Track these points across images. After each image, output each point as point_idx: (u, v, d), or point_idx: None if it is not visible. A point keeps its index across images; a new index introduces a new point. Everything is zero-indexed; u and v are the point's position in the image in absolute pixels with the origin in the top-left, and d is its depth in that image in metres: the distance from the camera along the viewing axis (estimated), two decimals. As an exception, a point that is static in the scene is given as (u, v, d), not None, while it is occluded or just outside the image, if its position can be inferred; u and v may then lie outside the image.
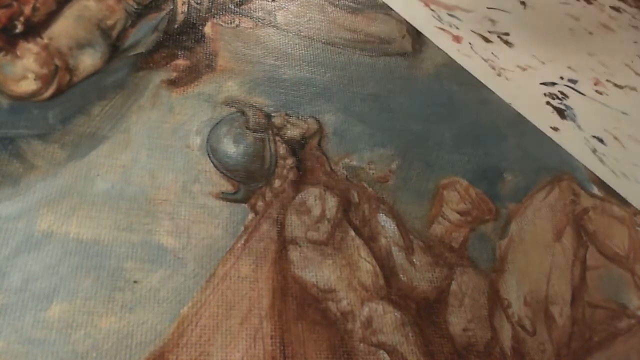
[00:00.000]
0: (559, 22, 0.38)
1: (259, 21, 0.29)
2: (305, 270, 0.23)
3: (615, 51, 0.38)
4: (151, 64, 0.27)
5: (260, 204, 0.24)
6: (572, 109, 0.33)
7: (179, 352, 0.20)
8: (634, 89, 0.35)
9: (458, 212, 0.26)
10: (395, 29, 0.33)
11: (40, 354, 0.18)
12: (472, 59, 0.33)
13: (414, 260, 0.24)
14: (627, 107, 0.34)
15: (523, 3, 0.38)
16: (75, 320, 0.19)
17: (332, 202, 0.25)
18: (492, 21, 0.36)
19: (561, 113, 0.33)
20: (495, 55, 0.34)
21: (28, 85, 0.24)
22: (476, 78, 0.32)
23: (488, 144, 0.30)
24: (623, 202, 0.29)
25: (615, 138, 0.32)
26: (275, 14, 0.28)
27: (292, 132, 0.26)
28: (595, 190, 0.29)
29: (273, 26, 0.31)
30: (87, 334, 0.19)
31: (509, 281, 0.25)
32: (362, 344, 0.21)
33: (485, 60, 0.33)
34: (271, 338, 0.21)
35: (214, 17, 0.30)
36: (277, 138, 0.26)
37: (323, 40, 0.30)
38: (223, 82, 0.27)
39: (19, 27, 0.25)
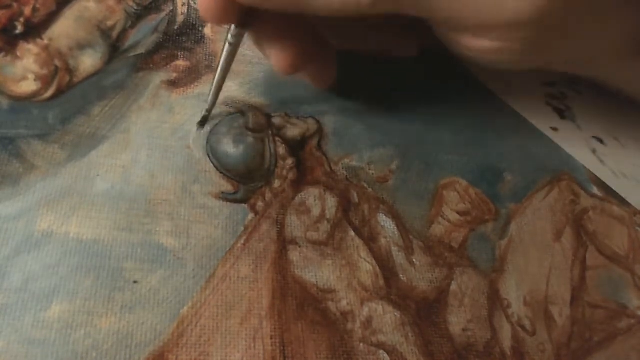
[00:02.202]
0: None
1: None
2: (305, 270, 0.23)
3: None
4: (151, 65, 0.27)
5: (260, 204, 0.24)
6: (571, 109, 0.33)
7: (179, 352, 0.19)
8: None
9: (458, 213, 0.26)
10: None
11: (40, 354, 0.18)
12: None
13: (414, 260, 0.24)
14: (627, 108, 0.34)
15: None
16: (75, 320, 0.19)
17: (331, 203, 0.25)
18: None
19: (561, 113, 0.33)
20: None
21: (28, 86, 0.24)
22: (476, 78, 0.33)
23: (488, 144, 0.30)
24: (623, 202, 0.29)
25: (615, 138, 0.32)
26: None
27: (292, 133, 0.27)
28: (595, 190, 0.29)
29: (273, 27, 0.31)
30: (87, 334, 0.19)
31: (509, 281, 0.25)
32: (362, 344, 0.21)
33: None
34: (271, 338, 0.21)
35: (213, 18, 0.30)
36: (277, 138, 0.26)
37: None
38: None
39: (19, 28, 0.26)
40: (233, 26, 0.22)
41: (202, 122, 0.25)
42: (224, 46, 0.23)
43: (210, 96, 0.24)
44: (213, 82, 0.24)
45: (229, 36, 0.22)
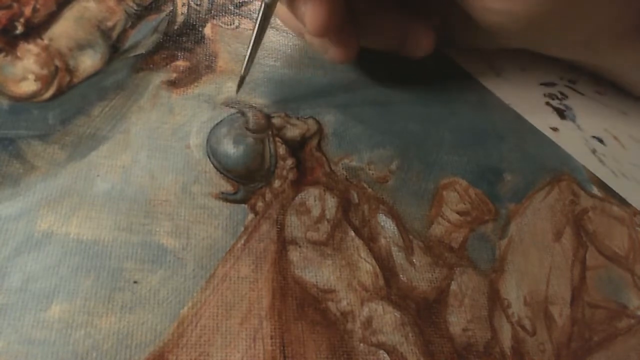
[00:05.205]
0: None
1: (258, 22, 0.29)
2: (305, 270, 0.23)
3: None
4: (151, 65, 0.27)
5: (260, 204, 0.24)
6: (571, 109, 0.33)
7: (179, 353, 0.20)
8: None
9: (458, 213, 0.26)
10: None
11: (40, 354, 0.18)
12: (472, 59, 0.33)
13: (414, 260, 0.24)
14: (627, 108, 0.34)
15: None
16: (75, 320, 0.19)
17: (331, 203, 0.25)
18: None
19: (561, 113, 0.33)
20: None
21: (28, 86, 0.24)
22: (476, 78, 0.33)
23: (488, 144, 0.30)
24: (623, 202, 0.29)
25: (615, 138, 0.32)
26: (275, 16, 0.28)
27: (292, 133, 0.27)
28: (595, 190, 0.29)
29: (273, 27, 0.31)
30: (87, 334, 0.19)
31: (509, 281, 0.25)
32: (362, 344, 0.21)
33: (485, 61, 0.33)
34: (271, 338, 0.21)
35: (213, 18, 0.30)
36: (277, 139, 0.26)
37: (323, 42, 0.30)
38: (223, 83, 0.27)
39: (19, 28, 0.26)
40: None
41: (239, 86, 0.26)
42: (260, 7, 0.23)
43: (246, 60, 0.25)
44: (249, 45, 0.25)
45: None
